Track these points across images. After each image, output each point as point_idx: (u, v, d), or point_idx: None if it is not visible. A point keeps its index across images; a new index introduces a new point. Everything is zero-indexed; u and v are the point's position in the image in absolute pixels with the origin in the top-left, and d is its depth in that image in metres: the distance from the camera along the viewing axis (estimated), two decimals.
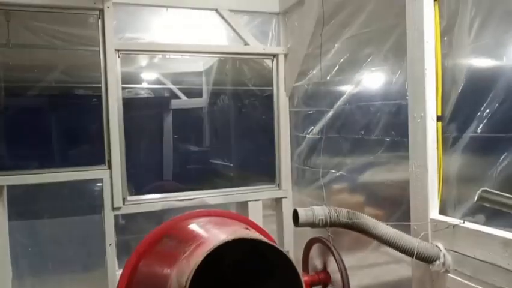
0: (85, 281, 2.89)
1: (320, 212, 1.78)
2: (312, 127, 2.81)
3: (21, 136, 2.55)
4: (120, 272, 2.16)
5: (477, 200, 1.03)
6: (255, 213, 2.93)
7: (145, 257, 2.12)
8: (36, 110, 2.68)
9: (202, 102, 3.30)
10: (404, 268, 2.20)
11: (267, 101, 3.22)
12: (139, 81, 3.07)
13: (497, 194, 1.01)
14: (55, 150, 2.67)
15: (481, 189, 1.02)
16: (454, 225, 1.65)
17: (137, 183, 2.82)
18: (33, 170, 2.49)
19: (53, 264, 2.81)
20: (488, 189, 1.02)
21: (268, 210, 3.32)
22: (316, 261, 2.44)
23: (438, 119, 1.78)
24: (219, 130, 3.39)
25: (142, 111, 3.11)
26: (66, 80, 2.71)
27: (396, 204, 2.09)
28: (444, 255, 1.69)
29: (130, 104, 2.81)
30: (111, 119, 2.58)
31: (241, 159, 3.35)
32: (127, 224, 2.94)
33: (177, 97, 3.23)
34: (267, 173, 3.20)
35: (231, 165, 3.34)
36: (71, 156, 2.68)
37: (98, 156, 2.61)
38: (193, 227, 2.09)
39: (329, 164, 2.60)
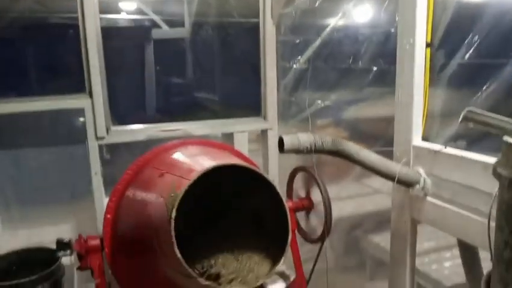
0: (71, 209, 2.93)
1: (305, 138, 1.78)
2: (299, 57, 2.75)
3: None
4: (107, 200, 2.18)
5: (462, 119, 1.03)
6: (241, 146, 2.94)
7: (131, 185, 2.13)
8: (10, 41, 2.54)
9: (184, 32, 3.18)
10: (383, 199, 2.30)
11: (253, 31, 3.11)
12: (118, 11, 2.92)
13: (481, 114, 1.02)
14: (34, 81, 2.59)
15: (466, 109, 1.02)
16: (436, 151, 1.69)
17: (120, 115, 2.77)
18: (12, 99, 2.42)
19: (39, 193, 2.82)
20: (473, 109, 1.02)
21: (253, 144, 3.34)
22: (299, 189, 2.51)
23: (427, 45, 1.75)
24: (203, 62, 3.31)
25: (122, 41, 2.98)
26: (39, 10, 2.56)
27: (380, 138, 2.12)
28: (424, 180, 1.75)
29: (110, 34, 2.68)
30: (90, 48, 2.47)
31: (226, 92, 3.31)
32: (112, 158, 2.94)
33: (158, 27, 3.10)
34: (252, 105, 3.17)
35: (216, 98, 3.29)
36: (51, 86, 2.59)
37: (78, 86, 2.53)
38: (179, 155, 2.09)
39: (315, 95, 2.59)
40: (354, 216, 2.65)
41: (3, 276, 2.28)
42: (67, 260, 2.41)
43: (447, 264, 2.57)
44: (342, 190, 2.63)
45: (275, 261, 1.62)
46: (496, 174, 0.99)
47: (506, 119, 1.00)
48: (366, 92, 2.24)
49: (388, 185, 2.10)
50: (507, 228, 0.96)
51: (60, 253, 1.65)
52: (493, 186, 1.04)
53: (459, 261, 1.87)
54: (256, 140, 3.33)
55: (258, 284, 1.61)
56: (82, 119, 2.59)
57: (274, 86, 3.03)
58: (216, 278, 1.60)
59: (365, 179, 2.60)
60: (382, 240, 2.53)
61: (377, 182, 2.45)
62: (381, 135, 2.06)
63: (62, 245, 1.64)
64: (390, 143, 1.89)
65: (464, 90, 1.67)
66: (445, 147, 1.67)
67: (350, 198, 2.69)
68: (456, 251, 1.95)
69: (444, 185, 1.69)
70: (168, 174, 1.75)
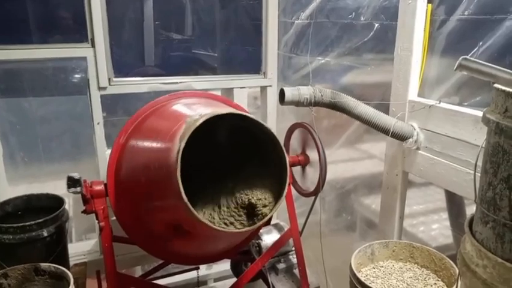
0: (74, 160, 2.99)
1: (306, 91, 1.84)
2: (301, 12, 2.74)
3: None
4: (109, 151, 2.23)
5: (457, 67, 1.08)
6: (240, 102, 2.98)
7: (133, 135, 2.18)
8: None
9: None
10: (375, 163, 2.35)
11: None
12: None
13: (476, 62, 1.06)
14: (37, 30, 2.57)
15: (461, 57, 1.07)
16: (430, 106, 1.75)
17: (120, 67, 2.78)
18: (15, 46, 2.42)
19: (42, 141, 2.87)
20: (468, 57, 1.06)
21: (251, 108, 3.38)
22: (296, 145, 2.57)
23: (429, 1, 1.77)
24: (203, 17, 3.27)
25: None
26: None
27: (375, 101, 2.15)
28: (417, 134, 1.82)
29: None
30: None
31: (226, 48, 3.30)
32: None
33: None
34: (252, 63, 3.17)
35: (215, 54, 3.29)
36: (54, 36, 2.59)
37: (80, 35, 2.53)
38: (180, 106, 2.13)
39: (315, 51, 2.60)
40: (347, 178, 2.71)
41: (9, 219, 2.37)
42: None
43: (434, 226, 2.68)
44: (335, 153, 2.67)
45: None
46: (485, 119, 1.05)
47: (498, 67, 1.05)
48: (365, 58, 2.26)
49: (380, 149, 2.17)
50: (491, 170, 1.04)
51: (71, 190, 1.72)
52: (482, 139, 1.10)
53: (445, 223, 1.97)
54: (253, 104, 3.36)
55: (251, 228, 1.68)
56: (85, 71, 2.60)
57: (275, 43, 3.03)
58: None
59: (358, 144, 2.65)
60: (373, 202, 2.61)
61: (369, 146, 2.50)
62: (376, 99, 2.09)
63: (73, 181, 1.71)
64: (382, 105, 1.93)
65: (461, 46, 1.70)
66: (439, 102, 1.73)
67: (343, 162, 2.74)
68: (444, 215, 2.05)
69: (436, 139, 1.76)
70: (179, 115, 1.78)
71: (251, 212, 1.71)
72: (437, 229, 2.62)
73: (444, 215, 2.07)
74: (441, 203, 2.02)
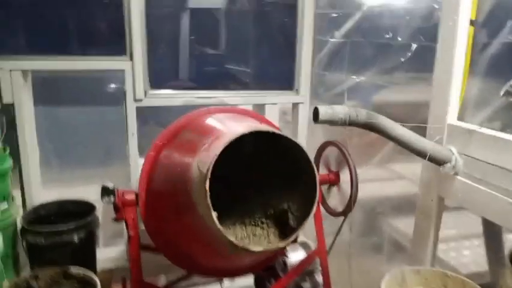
0: (106, 169, 3.06)
1: (340, 110, 1.81)
2: (337, 30, 2.74)
3: (43, 24, 2.54)
4: (142, 161, 2.27)
5: (503, 94, 1.04)
6: (271, 118, 2.98)
7: (165, 149, 2.21)
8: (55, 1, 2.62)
9: (220, 2, 3.19)
10: (406, 184, 2.30)
11: (290, 3, 3.09)
12: None
13: None
14: (77, 41, 2.66)
15: (508, 83, 1.03)
16: (470, 130, 1.70)
17: (155, 80, 2.84)
18: (55, 56, 2.51)
19: (76, 148, 2.96)
20: None
21: (280, 122, 3.37)
22: (327, 164, 2.54)
23: (471, 23, 1.74)
24: (237, 33, 3.32)
25: (162, 8, 3.03)
26: None
27: (408, 122, 2.11)
28: (456, 159, 1.76)
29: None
30: (133, 12, 2.54)
31: (260, 64, 3.32)
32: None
33: None
34: (285, 79, 3.18)
35: (248, 70, 3.31)
36: (94, 46, 2.68)
37: (119, 48, 2.61)
38: (212, 121, 2.15)
39: (350, 70, 2.58)
40: (376, 198, 2.66)
41: (42, 223, 2.43)
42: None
43: (466, 252, 2.58)
44: (365, 172, 2.63)
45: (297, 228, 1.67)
46: None
47: None
48: (399, 76, 2.22)
49: (412, 170, 2.11)
50: None
51: (105, 199, 1.76)
52: None
53: (478, 250, 1.89)
54: (282, 119, 3.35)
55: (279, 247, 1.66)
56: (120, 83, 2.67)
57: (309, 60, 3.04)
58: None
59: (389, 164, 2.60)
60: (402, 224, 2.54)
61: (401, 167, 2.45)
62: (410, 120, 2.05)
63: (107, 190, 1.74)
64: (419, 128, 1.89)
65: (504, 70, 1.65)
66: (480, 128, 1.67)
67: (373, 181, 2.69)
68: (476, 241, 1.97)
69: (476, 165, 1.70)
70: (213, 131, 1.80)
71: (281, 226, 1.69)
72: (469, 256, 2.52)
73: (477, 242, 1.99)
74: (474, 228, 1.94)
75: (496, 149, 1.60)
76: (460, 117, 1.82)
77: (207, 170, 1.51)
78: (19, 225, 2.40)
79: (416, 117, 1.98)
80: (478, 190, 1.68)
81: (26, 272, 2.36)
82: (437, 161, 1.77)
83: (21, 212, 2.58)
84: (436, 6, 1.88)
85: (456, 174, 1.78)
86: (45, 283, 2.02)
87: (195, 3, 3.13)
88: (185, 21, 3.16)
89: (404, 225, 2.43)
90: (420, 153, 1.76)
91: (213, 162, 1.53)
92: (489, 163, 1.63)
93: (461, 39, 1.73)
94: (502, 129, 1.67)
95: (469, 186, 1.73)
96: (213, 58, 3.30)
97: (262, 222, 1.83)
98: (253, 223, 1.82)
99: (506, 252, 1.44)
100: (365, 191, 2.59)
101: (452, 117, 1.79)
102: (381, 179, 2.67)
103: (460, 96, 1.78)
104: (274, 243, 1.70)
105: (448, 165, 1.76)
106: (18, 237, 2.40)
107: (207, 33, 3.26)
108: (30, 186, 2.63)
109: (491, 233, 1.83)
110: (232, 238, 1.51)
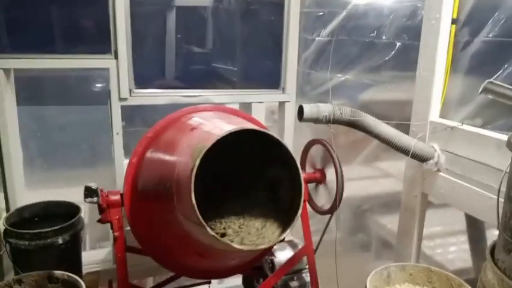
0: (91, 169, 3.03)
1: (325, 108, 1.82)
2: (323, 29, 2.75)
3: (26, 22, 2.50)
4: (127, 161, 2.25)
5: (481, 91, 1.06)
6: (258, 116, 2.98)
7: (151, 147, 2.19)
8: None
9: (206, 0, 3.17)
10: (392, 182, 2.31)
11: (276, 2, 3.09)
12: None
13: (501, 86, 1.05)
14: (62, 40, 2.61)
15: (486, 81, 1.05)
16: (452, 127, 1.72)
17: (141, 79, 2.82)
18: (39, 55, 2.47)
19: (60, 148, 2.92)
20: (493, 81, 1.04)
21: (269, 122, 3.37)
22: (313, 162, 2.54)
23: (453, 21, 1.76)
24: (224, 32, 3.30)
25: (147, 6, 3.01)
26: None
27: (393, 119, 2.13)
28: (438, 155, 1.78)
29: None
30: (118, 11, 2.51)
31: (246, 63, 3.31)
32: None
33: None
34: (271, 78, 3.18)
35: (235, 69, 3.31)
36: (78, 45, 2.63)
37: (104, 46, 2.58)
38: (198, 119, 2.14)
39: (335, 69, 2.59)
40: (362, 196, 2.67)
41: (26, 225, 2.39)
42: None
43: (451, 249, 2.61)
44: (352, 170, 2.64)
45: (284, 227, 1.67)
46: (510, 145, 1.02)
47: None
48: (384, 75, 2.24)
49: (398, 168, 2.13)
50: None
51: (88, 200, 1.74)
52: (505, 163, 1.07)
53: (463, 246, 1.92)
54: (270, 118, 3.36)
55: (262, 247, 1.65)
56: (105, 81, 2.64)
57: (294, 59, 3.04)
58: (222, 235, 1.67)
59: (375, 162, 2.61)
60: (389, 222, 2.56)
61: (387, 165, 2.47)
62: (395, 117, 2.07)
63: (91, 190, 1.72)
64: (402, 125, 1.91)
65: (485, 68, 1.67)
66: (461, 124, 1.70)
67: (360, 179, 2.70)
68: (462, 238, 2.00)
69: (457, 161, 1.72)
70: (197, 130, 1.79)
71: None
72: (454, 252, 2.56)
73: (462, 238, 2.01)
74: (460, 225, 1.97)
75: (477, 145, 1.63)
76: (443, 115, 1.84)
77: (197, 157, 1.49)
78: (2, 228, 2.36)
79: (401, 115, 2.00)
80: (460, 186, 1.71)
81: (9, 276, 2.32)
82: (420, 158, 1.79)
83: (4, 214, 2.54)
84: (420, 5, 1.90)
85: (439, 170, 1.81)
86: (29, 287, 1.99)
87: (181, 2, 3.11)
88: (171, 19, 3.14)
89: (391, 223, 2.45)
90: (403, 150, 1.78)
91: (204, 151, 1.50)
92: (470, 159, 1.66)
93: (443, 38, 1.75)
94: (483, 126, 1.70)
95: (451, 182, 1.75)
96: (199, 57, 3.28)
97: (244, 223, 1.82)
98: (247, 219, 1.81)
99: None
100: (352, 189, 2.60)
101: (434, 115, 1.81)
102: (367, 177, 2.68)
103: (442, 94, 1.80)
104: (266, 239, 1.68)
105: (431, 161, 1.78)
106: (1, 240, 2.36)
107: (193, 32, 3.24)
108: (14, 187, 2.59)
109: (474, 228, 1.85)
110: (213, 233, 1.51)
